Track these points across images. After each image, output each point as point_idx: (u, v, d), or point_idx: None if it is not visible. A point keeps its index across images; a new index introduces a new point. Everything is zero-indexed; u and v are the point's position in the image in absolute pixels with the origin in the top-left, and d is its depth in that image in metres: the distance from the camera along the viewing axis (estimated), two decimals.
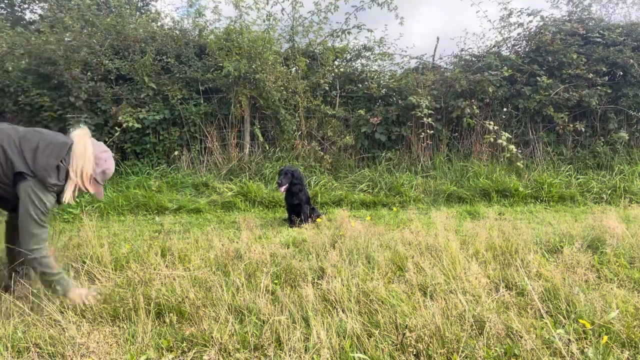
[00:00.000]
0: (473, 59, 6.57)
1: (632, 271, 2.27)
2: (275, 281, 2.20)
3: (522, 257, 2.43)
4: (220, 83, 5.80)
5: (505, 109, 6.15)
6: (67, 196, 1.95)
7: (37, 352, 1.56)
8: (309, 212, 3.94)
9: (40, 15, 8.70)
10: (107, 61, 5.82)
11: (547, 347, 1.53)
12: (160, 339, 1.67)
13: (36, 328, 1.71)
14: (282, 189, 3.87)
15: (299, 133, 5.95)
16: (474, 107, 5.68)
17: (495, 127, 5.61)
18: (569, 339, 1.51)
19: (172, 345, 1.64)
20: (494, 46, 6.59)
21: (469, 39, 13.57)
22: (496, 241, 2.65)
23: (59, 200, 1.98)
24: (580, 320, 1.65)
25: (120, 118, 5.43)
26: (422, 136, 5.76)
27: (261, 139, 5.92)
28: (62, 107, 5.66)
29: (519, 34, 6.45)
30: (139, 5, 9.26)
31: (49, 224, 1.96)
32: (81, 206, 4.58)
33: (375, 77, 6.51)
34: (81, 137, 1.98)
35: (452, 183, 5.21)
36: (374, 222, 3.78)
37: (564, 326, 1.66)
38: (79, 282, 2.13)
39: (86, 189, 1.99)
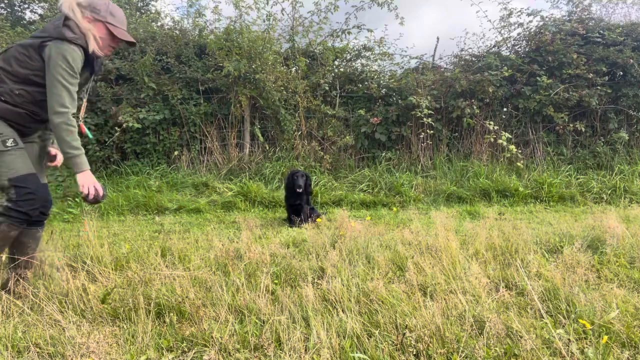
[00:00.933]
0: (473, 59, 6.57)
1: (632, 271, 2.27)
2: (275, 281, 2.20)
3: (522, 257, 2.43)
4: (220, 83, 5.80)
5: (505, 109, 6.15)
6: (92, 45, 1.93)
7: (37, 352, 1.56)
8: (309, 212, 3.94)
9: (40, 15, 8.70)
10: (107, 61, 5.82)
11: (547, 347, 1.53)
12: (160, 339, 1.67)
13: (36, 328, 1.71)
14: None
15: (299, 133, 5.95)
16: (474, 107, 5.68)
17: (495, 127, 5.61)
18: (569, 339, 1.51)
19: (172, 345, 1.64)
20: (494, 46, 6.59)
21: (469, 39, 13.59)
22: (496, 241, 2.65)
23: (87, 57, 1.95)
24: (580, 320, 1.65)
25: (120, 118, 5.43)
26: (422, 136, 5.76)
27: (261, 139, 5.93)
28: None
29: (519, 34, 6.45)
30: (139, 5, 9.25)
31: (74, 95, 1.92)
32: (81, 206, 4.58)
33: (375, 77, 6.51)
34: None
35: (452, 183, 5.21)
36: (374, 222, 3.78)
37: (564, 326, 1.66)
38: (79, 281, 2.13)
39: (97, 36, 1.96)
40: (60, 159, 2.25)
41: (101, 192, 1.96)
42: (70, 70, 1.88)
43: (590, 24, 6.20)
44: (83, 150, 1.97)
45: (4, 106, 1.91)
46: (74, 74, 1.90)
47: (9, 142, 1.89)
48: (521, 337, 1.53)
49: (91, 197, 1.95)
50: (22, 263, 2.09)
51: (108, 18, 2.00)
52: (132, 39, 2.08)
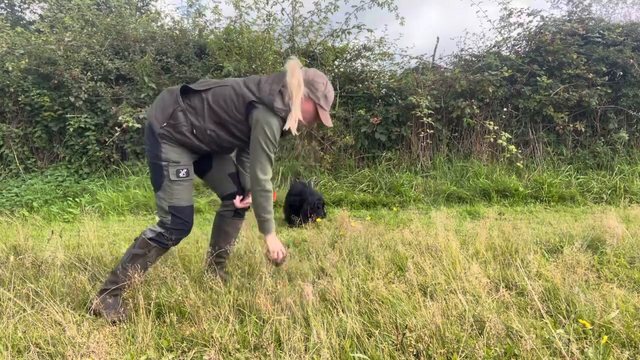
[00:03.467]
0: (473, 59, 6.56)
1: (632, 271, 2.27)
2: (275, 281, 2.20)
3: (522, 257, 2.43)
4: None
5: (505, 109, 6.14)
6: (290, 123, 1.94)
7: (37, 352, 1.56)
8: (308, 212, 3.93)
9: (40, 15, 8.70)
10: (107, 61, 5.83)
11: (547, 347, 1.53)
12: (160, 338, 1.67)
13: (36, 328, 1.71)
14: None
15: (299, 133, 5.94)
16: (474, 107, 5.68)
17: (495, 127, 5.61)
18: (569, 339, 1.51)
19: (172, 345, 1.64)
20: (494, 46, 6.59)
21: (469, 39, 13.61)
22: (496, 241, 2.65)
23: (283, 133, 1.98)
24: (580, 320, 1.65)
25: (120, 118, 5.43)
26: (422, 136, 5.76)
27: None
28: (62, 107, 5.66)
29: (519, 34, 6.44)
30: (139, 5, 9.26)
31: (273, 163, 1.99)
32: (81, 206, 4.58)
33: (375, 77, 6.51)
34: (291, 66, 1.97)
35: (452, 183, 5.21)
36: (374, 222, 3.78)
37: (564, 326, 1.66)
38: (80, 280, 2.13)
39: (302, 118, 1.98)
40: (247, 202, 2.30)
41: (282, 256, 2.07)
42: (273, 139, 1.92)
43: (590, 24, 6.19)
44: (272, 214, 2.05)
45: (192, 140, 1.96)
46: (275, 143, 1.95)
47: (182, 173, 1.96)
48: (521, 337, 1.53)
49: (279, 260, 2.06)
50: (225, 254, 2.32)
51: (321, 101, 1.99)
52: (331, 123, 2.10)
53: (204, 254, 2.55)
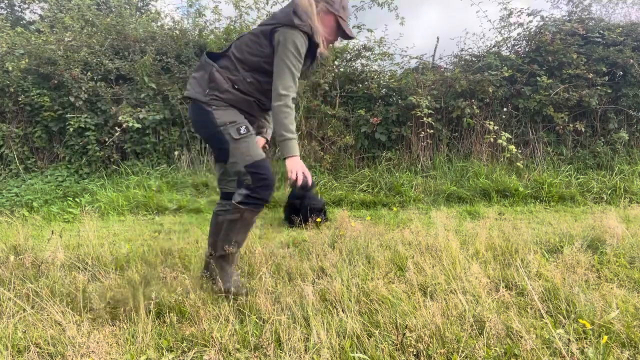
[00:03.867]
0: (473, 59, 6.56)
1: (632, 271, 2.27)
2: (275, 281, 2.20)
3: (522, 257, 2.43)
4: None
5: (505, 109, 6.14)
6: (318, 37, 1.93)
7: (37, 352, 1.56)
8: (308, 213, 3.93)
9: (40, 15, 8.70)
10: (107, 61, 5.82)
11: (547, 347, 1.53)
12: (160, 339, 1.67)
13: (36, 328, 1.71)
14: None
15: (299, 133, 5.95)
16: (474, 107, 5.68)
17: (495, 127, 5.61)
18: (569, 339, 1.51)
19: (172, 345, 1.64)
20: (494, 46, 6.58)
21: (469, 39, 13.62)
22: (496, 241, 2.65)
23: (312, 47, 1.96)
24: (580, 320, 1.65)
25: (120, 118, 5.43)
26: (422, 136, 5.76)
27: None
28: (62, 107, 5.66)
29: (519, 34, 6.44)
30: (139, 5, 9.26)
31: (297, 80, 1.93)
32: (81, 206, 4.58)
33: (375, 77, 6.50)
34: None
35: (452, 183, 5.21)
36: (374, 222, 3.78)
37: (564, 326, 1.66)
38: (79, 280, 2.13)
39: (324, 27, 1.96)
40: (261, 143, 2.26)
41: (310, 179, 1.93)
42: (297, 54, 1.88)
43: (590, 24, 6.19)
44: (296, 135, 1.95)
45: (237, 94, 1.96)
46: (299, 59, 1.90)
47: (242, 129, 1.93)
48: (521, 337, 1.53)
49: (299, 182, 1.91)
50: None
51: (341, 12, 1.99)
52: (354, 35, 2.08)
53: (203, 253, 2.55)
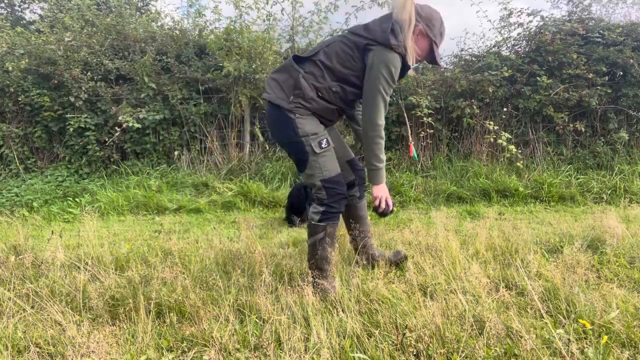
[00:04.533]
0: (473, 59, 6.56)
1: (632, 271, 2.27)
2: (275, 281, 2.20)
3: (522, 257, 2.43)
4: (220, 83, 5.80)
5: (505, 109, 6.14)
6: (410, 59, 1.91)
7: (37, 352, 1.56)
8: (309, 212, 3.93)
9: (40, 15, 8.70)
10: (107, 61, 5.82)
11: (547, 347, 1.53)
12: (160, 339, 1.67)
13: (36, 328, 1.71)
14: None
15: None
16: (474, 107, 5.68)
17: (495, 127, 5.60)
18: (569, 339, 1.51)
19: (172, 345, 1.64)
20: (494, 46, 6.58)
21: (469, 39, 13.62)
22: (496, 241, 2.65)
23: (404, 67, 1.94)
24: (580, 320, 1.65)
25: (120, 118, 5.43)
26: (422, 136, 5.76)
27: (261, 138, 5.92)
28: (62, 107, 5.66)
29: (519, 34, 6.44)
30: (139, 5, 9.26)
31: (387, 107, 1.94)
32: (81, 206, 4.58)
33: None
34: (402, 1, 1.91)
35: (452, 183, 5.21)
36: (374, 222, 3.78)
37: (564, 326, 1.66)
38: (79, 280, 2.13)
39: (417, 48, 1.95)
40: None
41: (391, 207, 2.00)
42: (391, 81, 1.87)
43: (590, 24, 6.19)
44: (384, 165, 2.01)
45: (321, 103, 1.94)
46: (392, 84, 1.89)
47: (324, 143, 1.94)
48: (521, 337, 1.53)
49: (381, 209, 2.00)
50: (368, 234, 2.33)
51: (437, 38, 1.98)
52: (442, 63, 2.11)
53: (203, 254, 2.55)
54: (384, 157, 1.98)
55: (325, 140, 1.95)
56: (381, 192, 1.99)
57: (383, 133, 1.95)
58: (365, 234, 2.32)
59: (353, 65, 1.91)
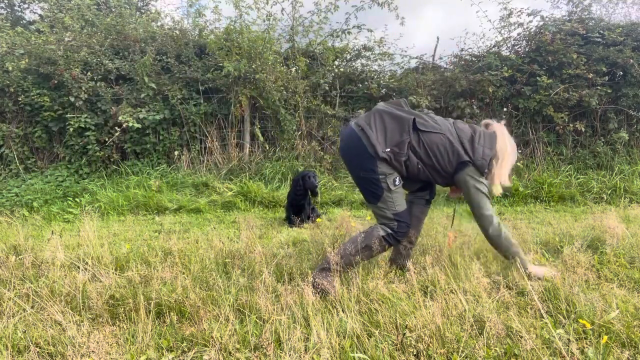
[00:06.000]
0: (473, 59, 6.56)
1: (632, 271, 2.27)
2: (276, 281, 2.20)
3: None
4: (220, 83, 5.80)
5: (505, 109, 6.14)
6: (495, 187, 2.14)
7: (37, 352, 1.56)
8: (309, 212, 3.94)
9: (40, 15, 8.70)
10: (107, 61, 5.82)
11: (547, 347, 1.53)
12: (160, 338, 1.67)
13: (36, 328, 1.71)
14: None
15: (299, 133, 5.95)
16: (474, 107, 5.68)
17: None
18: (568, 339, 1.51)
19: (172, 345, 1.64)
20: (494, 46, 6.58)
21: (469, 39, 13.61)
22: None
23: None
24: (580, 320, 1.65)
25: (120, 118, 5.43)
26: None
27: (261, 139, 5.92)
28: (62, 107, 5.66)
29: (519, 34, 6.44)
30: (139, 5, 9.26)
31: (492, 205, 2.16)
32: (81, 206, 4.58)
33: (375, 77, 6.51)
34: (503, 131, 2.19)
35: None
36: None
37: (564, 326, 1.66)
38: (79, 280, 2.13)
39: (500, 182, 2.14)
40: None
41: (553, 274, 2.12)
42: (486, 193, 2.13)
43: (590, 24, 6.19)
44: (518, 247, 2.19)
45: (402, 168, 2.10)
46: (488, 196, 2.15)
47: (397, 181, 2.11)
48: (521, 337, 1.53)
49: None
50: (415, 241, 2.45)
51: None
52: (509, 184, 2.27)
53: (203, 254, 2.55)
54: (514, 242, 2.18)
55: (398, 178, 2.11)
56: (540, 272, 2.13)
57: (501, 227, 2.15)
58: (412, 239, 2.41)
59: (445, 166, 2.10)
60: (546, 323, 1.61)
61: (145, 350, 1.58)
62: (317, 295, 1.96)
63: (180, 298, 1.89)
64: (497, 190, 2.15)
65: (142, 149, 5.80)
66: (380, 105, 2.19)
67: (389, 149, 2.04)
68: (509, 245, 2.15)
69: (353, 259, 2.10)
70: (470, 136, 2.11)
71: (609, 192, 4.88)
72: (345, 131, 2.21)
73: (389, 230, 2.12)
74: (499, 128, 2.19)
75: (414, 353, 1.50)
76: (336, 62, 6.57)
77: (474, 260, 2.27)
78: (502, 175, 2.11)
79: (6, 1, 9.90)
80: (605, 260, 2.42)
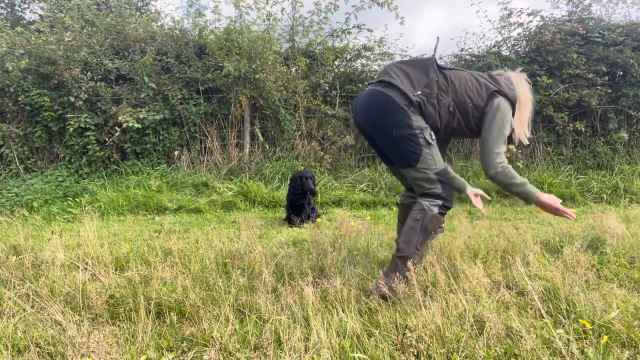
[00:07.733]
0: (473, 59, 6.56)
1: (632, 271, 2.27)
2: (276, 281, 2.20)
3: (522, 257, 2.43)
4: (220, 83, 5.80)
5: None
6: (517, 135, 2.03)
7: (37, 352, 1.56)
8: (309, 212, 3.94)
9: (40, 15, 8.70)
10: (107, 61, 5.82)
11: (547, 347, 1.53)
12: (160, 338, 1.67)
13: (36, 328, 1.71)
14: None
15: (299, 133, 5.95)
16: None
17: None
18: (568, 339, 1.51)
19: (172, 345, 1.64)
20: (494, 46, 6.58)
21: (469, 38, 13.62)
22: (496, 241, 2.65)
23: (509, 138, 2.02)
24: (580, 320, 1.65)
25: (120, 118, 5.43)
26: None
27: (261, 139, 5.92)
28: (62, 107, 5.66)
29: (519, 34, 6.45)
30: (139, 5, 9.26)
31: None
32: (81, 206, 4.58)
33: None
34: (521, 77, 2.14)
35: None
36: (374, 222, 3.78)
37: (564, 326, 1.66)
38: (79, 280, 2.13)
39: (521, 128, 2.06)
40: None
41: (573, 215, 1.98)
42: (506, 130, 1.97)
43: (590, 24, 6.20)
44: (526, 182, 1.99)
45: (434, 113, 1.94)
46: (507, 133, 1.99)
47: (433, 135, 1.94)
48: (521, 337, 1.53)
49: (572, 216, 1.97)
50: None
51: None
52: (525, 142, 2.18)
53: (203, 254, 2.55)
54: (518, 178, 1.96)
55: (433, 133, 1.94)
56: (550, 203, 1.94)
57: (505, 163, 1.97)
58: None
59: (476, 100, 1.97)
60: (546, 323, 1.61)
61: (145, 350, 1.58)
62: (390, 294, 1.87)
63: (180, 298, 1.89)
64: (523, 138, 2.05)
65: (142, 149, 5.81)
66: (389, 63, 2.10)
67: (419, 91, 1.90)
68: (512, 185, 1.98)
69: (422, 251, 1.97)
70: (489, 75, 2.06)
71: (609, 192, 4.88)
72: (364, 96, 2.03)
73: (438, 202, 1.94)
74: (516, 75, 2.11)
75: (414, 353, 1.50)
76: (336, 62, 6.57)
77: (474, 260, 2.27)
78: (523, 120, 2.02)
79: (6, 1, 9.90)
80: (605, 260, 2.42)
